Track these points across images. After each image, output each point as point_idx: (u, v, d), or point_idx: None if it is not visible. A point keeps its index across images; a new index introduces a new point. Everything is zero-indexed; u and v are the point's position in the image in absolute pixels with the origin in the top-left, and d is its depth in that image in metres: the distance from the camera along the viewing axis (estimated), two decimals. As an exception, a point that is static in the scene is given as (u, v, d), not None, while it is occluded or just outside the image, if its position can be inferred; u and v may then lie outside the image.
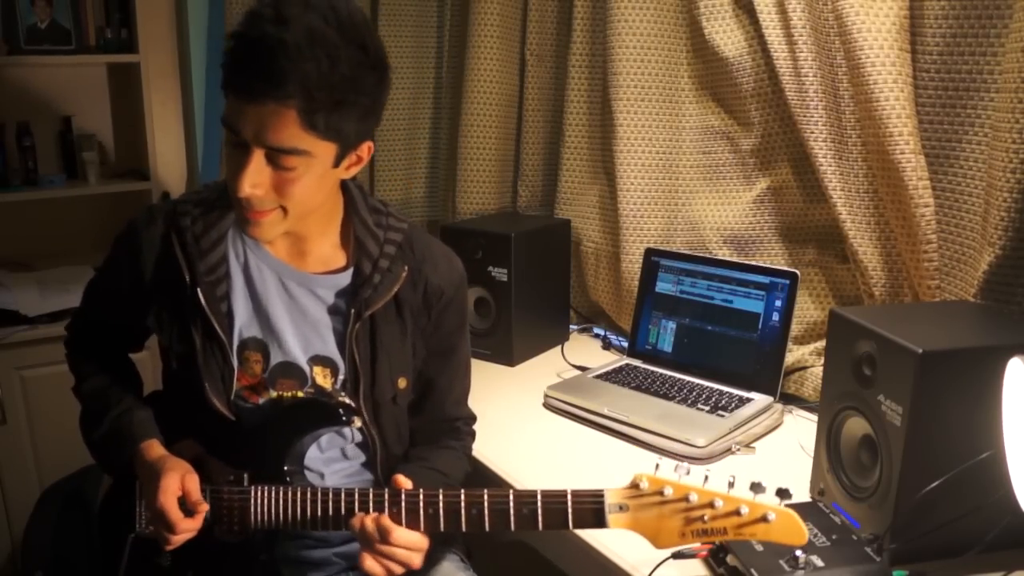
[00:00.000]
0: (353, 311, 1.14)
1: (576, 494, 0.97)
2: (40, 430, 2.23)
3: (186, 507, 1.06)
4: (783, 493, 0.92)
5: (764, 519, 0.90)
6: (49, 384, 2.18)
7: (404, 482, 1.06)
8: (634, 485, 0.94)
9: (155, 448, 1.13)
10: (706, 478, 0.94)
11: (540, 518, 0.98)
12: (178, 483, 1.06)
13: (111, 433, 1.15)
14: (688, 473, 0.94)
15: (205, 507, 1.07)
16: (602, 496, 0.95)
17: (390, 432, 1.20)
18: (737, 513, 0.90)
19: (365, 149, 1.10)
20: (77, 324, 1.31)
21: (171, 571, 1.14)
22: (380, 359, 1.16)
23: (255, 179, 1.01)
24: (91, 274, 1.29)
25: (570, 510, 0.96)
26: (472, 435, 1.34)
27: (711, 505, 0.91)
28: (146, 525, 1.13)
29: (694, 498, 0.92)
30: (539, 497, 0.98)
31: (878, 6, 1.40)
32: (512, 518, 0.99)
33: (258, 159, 1.00)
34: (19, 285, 2.28)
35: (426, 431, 1.27)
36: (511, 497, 0.99)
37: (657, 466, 0.96)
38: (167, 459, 1.10)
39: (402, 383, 1.20)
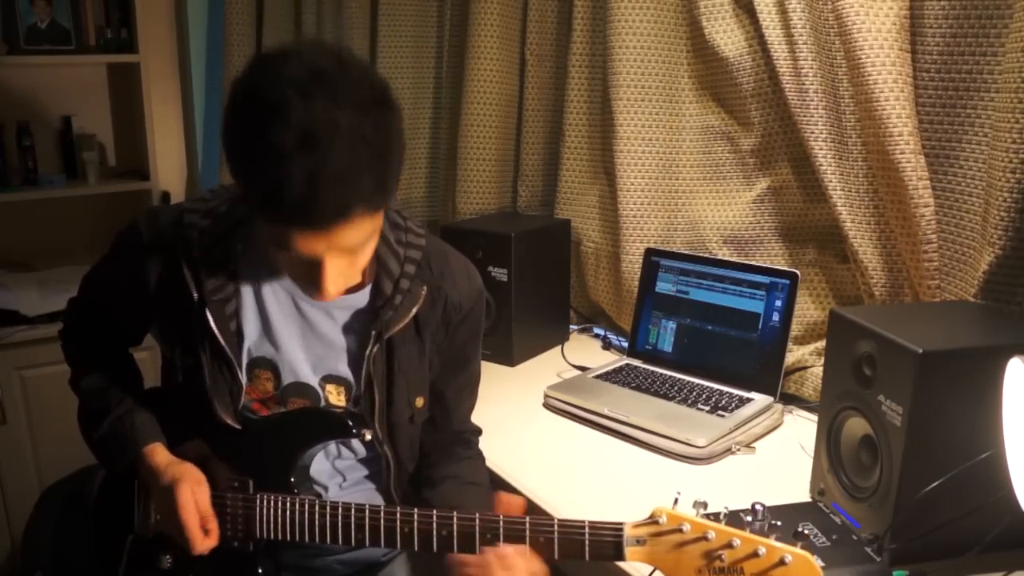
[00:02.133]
0: (373, 333, 1.11)
1: (594, 526, 0.95)
2: (40, 430, 2.23)
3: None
4: (800, 536, 0.90)
5: (782, 562, 0.88)
6: (49, 384, 2.18)
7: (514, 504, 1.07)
8: (652, 520, 0.93)
9: (160, 452, 1.11)
10: (676, 501, 0.93)
11: (556, 548, 0.96)
12: (192, 497, 1.05)
13: (112, 435, 1.14)
14: (706, 508, 0.93)
15: (215, 523, 1.07)
16: (621, 530, 0.94)
17: (404, 450, 1.18)
18: (755, 555, 0.89)
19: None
20: (74, 315, 1.27)
21: (171, 573, 1.13)
22: (398, 381, 1.14)
23: (340, 283, 0.98)
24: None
25: (587, 542, 0.95)
26: (478, 444, 1.33)
27: (729, 545, 0.90)
28: (155, 529, 1.12)
29: (712, 536, 0.91)
30: (556, 526, 0.96)
31: (878, 6, 1.40)
32: (527, 546, 0.97)
33: (334, 260, 0.95)
34: (19, 285, 2.28)
35: (437, 444, 1.25)
36: (527, 524, 0.98)
37: (676, 500, 0.95)
38: (175, 466, 1.08)
39: (419, 402, 1.18)
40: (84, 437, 1.19)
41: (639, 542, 0.94)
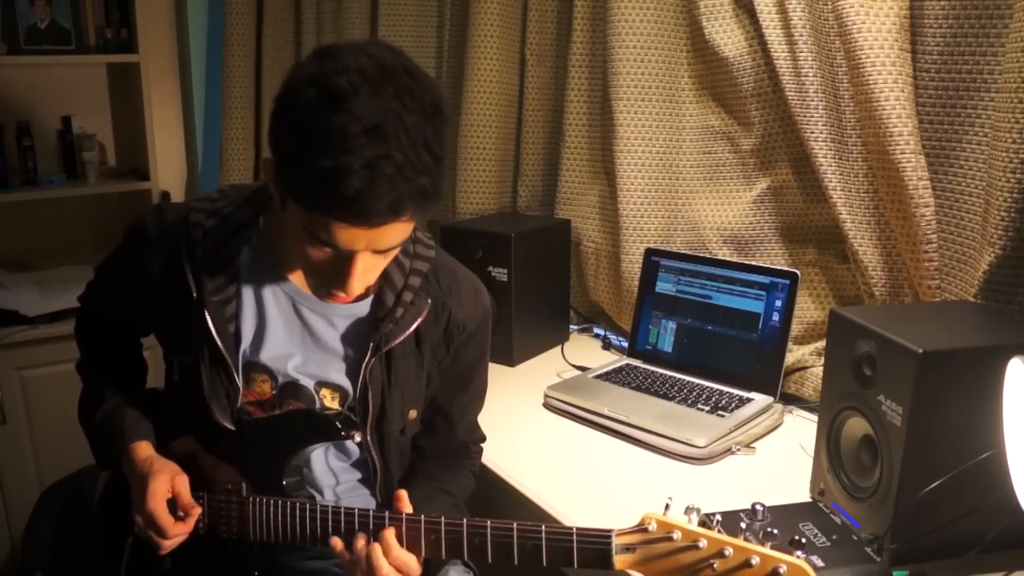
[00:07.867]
0: (371, 344, 1.10)
1: (582, 533, 0.94)
2: (40, 430, 2.23)
3: (176, 510, 1.05)
4: (795, 544, 0.87)
5: (775, 572, 0.85)
6: (49, 384, 2.18)
7: (405, 503, 1.04)
8: (642, 527, 0.91)
9: (143, 449, 1.10)
10: (667, 507, 0.91)
11: (544, 554, 0.95)
12: (167, 486, 1.04)
13: (102, 424, 1.14)
14: (699, 514, 0.91)
15: (198, 510, 1.06)
16: (609, 537, 0.92)
17: (393, 459, 1.18)
18: (748, 564, 0.86)
19: None
20: (88, 300, 1.28)
21: (171, 574, 1.13)
22: (393, 393, 1.13)
23: (366, 279, 0.99)
24: (91, 274, 1.27)
25: (575, 549, 0.94)
26: (480, 453, 1.32)
27: (721, 554, 0.87)
28: (136, 530, 1.12)
29: (703, 544, 0.88)
30: (543, 532, 0.95)
31: (878, 6, 1.40)
32: (515, 552, 0.96)
33: (365, 259, 0.96)
34: (19, 285, 2.28)
35: (436, 450, 1.25)
36: (514, 530, 0.96)
37: (667, 507, 0.92)
38: (154, 461, 1.08)
39: (412, 415, 1.17)
40: (80, 424, 1.19)
41: (628, 549, 0.91)
